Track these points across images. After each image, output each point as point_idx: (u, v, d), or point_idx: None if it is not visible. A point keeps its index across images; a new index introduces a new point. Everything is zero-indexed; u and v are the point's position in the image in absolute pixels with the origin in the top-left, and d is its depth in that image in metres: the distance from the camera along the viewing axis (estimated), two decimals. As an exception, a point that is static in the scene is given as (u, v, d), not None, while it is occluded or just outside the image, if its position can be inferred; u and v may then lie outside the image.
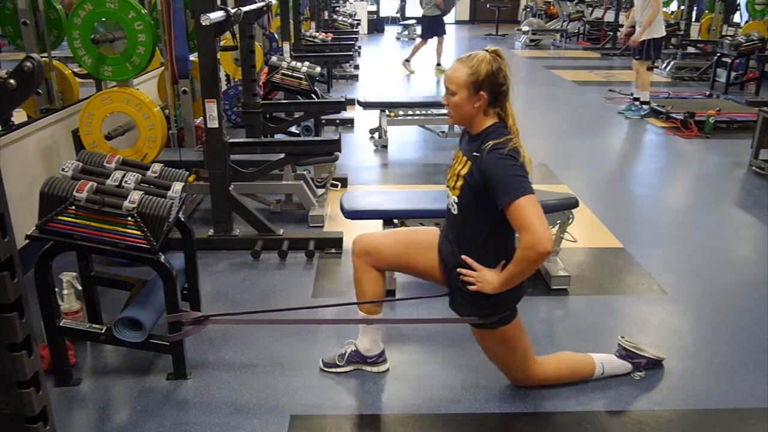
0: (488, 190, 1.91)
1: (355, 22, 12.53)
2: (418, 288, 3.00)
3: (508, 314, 2.10)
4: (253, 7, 3.97)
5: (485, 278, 1.99)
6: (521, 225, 1.84)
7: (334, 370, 2.38)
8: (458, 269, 2.04)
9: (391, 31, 17.13)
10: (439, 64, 10.00)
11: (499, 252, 2.03)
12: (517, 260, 1.90)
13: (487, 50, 1.96)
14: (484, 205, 1.96)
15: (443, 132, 5.92)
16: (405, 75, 9.91)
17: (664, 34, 6.74)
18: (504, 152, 1.89)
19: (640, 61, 6.73)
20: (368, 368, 2.39)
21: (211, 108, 3.19)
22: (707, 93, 8.01)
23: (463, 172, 1.99)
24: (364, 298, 2.26)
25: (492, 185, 1.89)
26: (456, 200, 2.03)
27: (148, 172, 2.31)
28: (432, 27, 9.78)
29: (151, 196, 2.09)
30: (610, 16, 14.14)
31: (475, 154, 1.96)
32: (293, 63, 5.18)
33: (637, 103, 6.92)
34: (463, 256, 2.03)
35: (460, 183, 2.00)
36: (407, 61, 10.22)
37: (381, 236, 2.32)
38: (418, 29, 16.19)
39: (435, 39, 9.94)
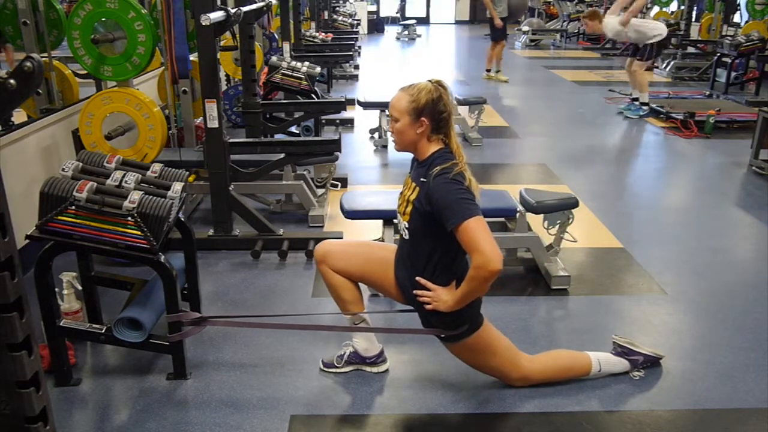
0: (436, 214, 1.98)
1: (355, 22, 12.53)
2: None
3: (475, 323, 2.15)
4: (253, 7, 3.98)
5: (440, 297, 2.07)
6: (470, 246, 1.93)
7: (333, 370, 2.38)
8: (414, 291, 2.12)
9: (391, 31, 17.13)
10: (488, 70, 9.32)
11: (450, 272, 2.11)
12: (470, 279, 1.97)
13: (430, 80, 2.07)
14: (433, 228, 2.03)
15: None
16: (494, 82, 9.13)
17: (665, 34, 6.71)
18: (449, 177, 1.98)
19: (641, 62, 6.73)
20: (368, 368, 2.39)
21: (211, 108, 3.19)
22: (707, 93, 8.00)
23: (412, 197, 2.08)
24: (343, 304, 2.31)
25: (439, 209, 1.96)
26: (407, 225, 2.12)
27: (148, 172, 2.31)
28: (500, 30, 8.88)
29: (151, 196, 2.09)
30: (610, 16, 14.13)
31: (422, 179, 2.04)
32: (293, 63, 5.18)
33: (636, 103, 6.91)
34: (417, 278, 2.11)
35: (409, 208, 2.09)
36: (489, 71, 9.30)
37: (340, 245, 2.35)
38: (418, 29, 16.23)
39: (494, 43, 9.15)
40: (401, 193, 2.20)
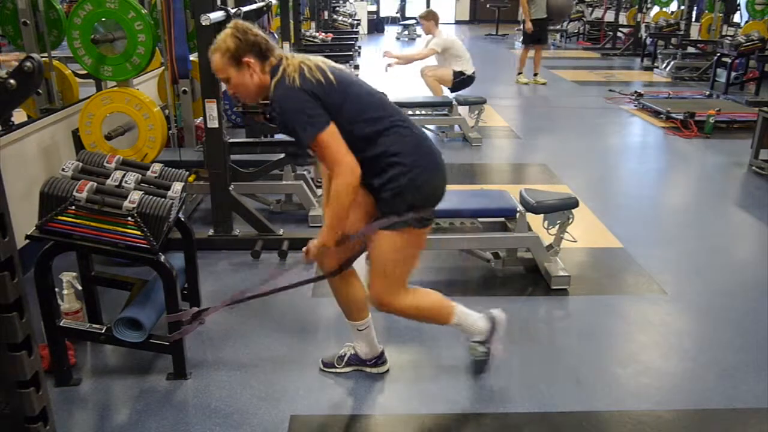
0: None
1: (355, 22, 12.54)
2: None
3: (425, 217, 2.05)
4: (253, 7, 3.98)
5: (315, 242, 2.01)
6: (327, 160, 1.89)
7: (333, 370, 2.38)
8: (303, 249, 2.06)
9: (391, 31, 17.12)
10: (520, 73, 9.01)
11: (377, 165, 1.99)
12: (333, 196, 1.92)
13: (227, 26, 1.99)
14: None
15: (443, 132, 5.92)
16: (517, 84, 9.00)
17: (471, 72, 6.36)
18: (283, 107, 1.90)
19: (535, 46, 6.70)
20: (369, 369, 2.38)
21: (211, 108, 3.19)
22: (707, 93, 8.00)
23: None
24: (350, 308, 2.27)
25: (289, 130, 1.93)
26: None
27: (148, 172, 2.31)
28: (531, 33, 8.65)
29: (151, 196, 2.09)
30: (610, 16, 14.15)
31: (275, 114, 1.96)
32: (293, 63, 5.17)
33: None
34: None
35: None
36: (520, 74, 9.01)
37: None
38: (418, 29, 16.22)
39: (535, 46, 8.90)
40: None
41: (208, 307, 2.29)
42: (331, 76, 1.96)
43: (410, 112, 5.68)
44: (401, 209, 2.00)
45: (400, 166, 1.98)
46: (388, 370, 2.39)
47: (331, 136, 1.89)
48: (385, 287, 2.13)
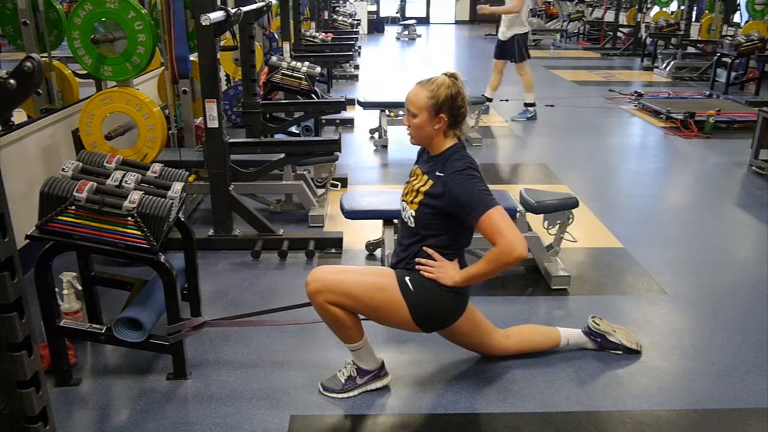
0: (454, 210, 2.03)
1: (355, 22, 12.53)
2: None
3: (456, 315, 2.20)
4: (253, 7, 3.97)
5: (446, 270, 2.09)
6: (495, 233, 1.96)
7: (335, 395, 2.24)
8: (416, 258, 2.12)
9: (391, 31, 17.13)
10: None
11: (451, 254, 2.14)
12: (489, 261, 2.00)
13: (446, 74, 2.07)
14: (440, 220, 2.08)
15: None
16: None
17: (526, 30, 6.56)
18: (467, 173, 2.02)
19: (519, 62, 6.53)
20: (371, 386, 2.26)
21: (211, 108, 3.19)
22: (707, 93, 8.01)
23: (423, 189, 2.09)
24: (348, 333, 2.17)
25: (460, 205, 2.01)
26: (413, 214, 2.11)
27: (148, 172, 2.31)
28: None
29: (151, 196, 2.09)
30: (610, 16, 14.15)
31: (438, 174, 2.06)
32: (293, 63, 5.18)
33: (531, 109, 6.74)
34: (425, 248, 2.11)
35: (419, 198, 2.10)
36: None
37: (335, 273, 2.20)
38: (418, 29, 16.24)
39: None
40: (408, 182, 2.22)
41: (207, 320, 2.34)
42: None
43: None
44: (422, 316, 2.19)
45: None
46: (388, 384, 2.31)
47: (504, 212, 2.00)
48: (481, 349, 2.43)
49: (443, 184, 2.03)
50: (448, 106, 2.04)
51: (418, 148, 2.30)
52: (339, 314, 2.10)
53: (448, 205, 2.03)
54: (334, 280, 2.11)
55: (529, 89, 6.72)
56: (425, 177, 2.11)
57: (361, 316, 2.17)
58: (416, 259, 2.12)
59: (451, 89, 2.03)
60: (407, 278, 2.11)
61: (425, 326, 2.17)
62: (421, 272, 2.10)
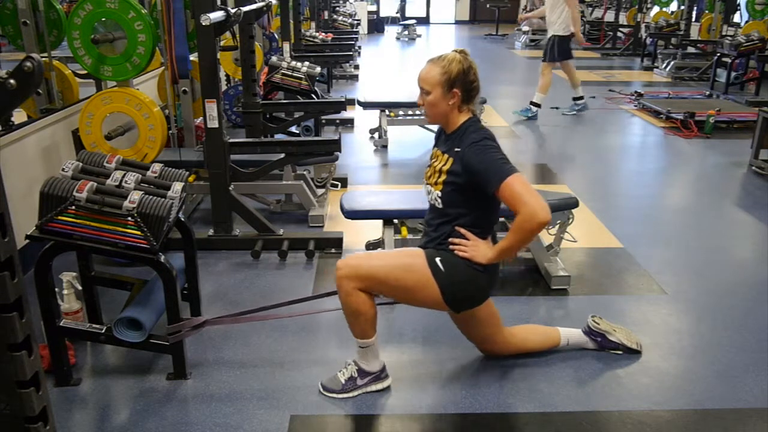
0: (475, 182, 2.02)
1: (355, 22, 12.54)
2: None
3: (482, 297, 2.23)
4: (253, 7, 3.97)
5: (479, 248, 2.10)
6: (515, 201, 1.95)
7: (334, 395, 2.24)
8: (450, 239, 2.13)
9: (391, 31, 17.14)
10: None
11: (483, 232, 2.15)
12: (515, 230, 2.00)
13: (456, 50, 2.10)
14: (467, 195, 2.09)
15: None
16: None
17: (569, 33, 6.61)
18: (483, 144, 2.04)
19: (546, 63, 6.73)
20: (371, 387, 2.26)
21: (211, 108, 3.19)
22: (707, 93, 8.00)
23: (446, 168, 2.10)
24: (364, 329, 2.16)
25: (479, 175, 2.01)
26: (439, 194, 2.13)
27: (148, 172, 2.31)
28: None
29: (151, 196, 2.09)
30: (610, 16, 14.15)
31: (456, 149, 2.07)
32: (293, 63, 5.18)
33: (580, 102, 7.00)
34: (457, 227, 2.12)
35: (442, 178, 2.11)
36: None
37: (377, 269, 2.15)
38: (418, 29, 16.24)
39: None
40: (429, 165, 2.22)
41: (208, 318, 2.34)
42: None
43: (410, 113, 5.69)
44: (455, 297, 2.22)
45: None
46: (389, 386, 2.30)
47: (525, 179, 1.99)
48: (486, 343, 2.43)
49: (461, 158, 2.04)
50: (461, 81, 2.06)
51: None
52: (363, 305, 2.10)
53: (469, 178, 2.03)
54: (364, 265, 2.11)
55: (543, 91, 6.82)
56: (445, 156, 2.12)
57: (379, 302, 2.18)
58: (450, 239, 2.13)
59: (462, 64, 2.06)
60: (438, 259, 2.12)
61: (455, 305, 2.17)
62: (456, 251, 2.11)
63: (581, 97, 7.04)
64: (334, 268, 2.15)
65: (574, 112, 7.01)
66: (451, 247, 2.13)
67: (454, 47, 2.16)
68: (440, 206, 2.14)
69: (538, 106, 6.83)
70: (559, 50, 6.64)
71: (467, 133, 2.08)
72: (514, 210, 1.97)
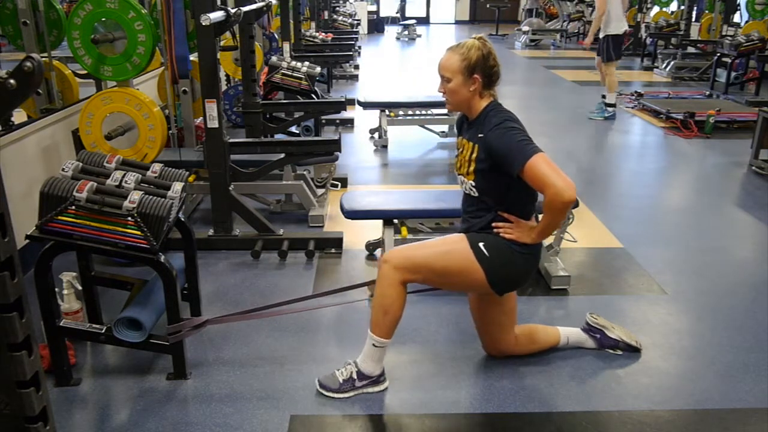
0: (500, 164, 2.03)
1: (355, 22, 12.54)
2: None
3: (524, 280, 2.25)
4: (253, 7, 3.97)
5: (523, 229, 2.13)
6: (540, 182, 1.96)
7: (330, 394, 2.24)
8: (494, 223, 2.14)
9: (391, 31, 17.13)
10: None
11: (524, 214, 2.17)
12: (546, 211, 2.04)
13: (474, 37, 2.12)
14: (499, 181, 2.09)
15: (443, 132, 5.92)
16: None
17: (622, 31, 6.68)
18: (505, 126, 2.04)
19: (607, 63, 6.78)
20: (368, 390, 2.26)
21: (211, 108, 3.19)
22: (707, 93, 8.01)
23: (474, 156, 2.11)
24: (391, 327, 2.16)
25: (503, 158, 2.02)
26: (473, 184, 2.14)
27: (148, 172, 2.31)
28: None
29: (151, 196, 2.09)
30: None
31: (479, 135, 2.09)
32: (293, 63, 5.18)
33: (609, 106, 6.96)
34: (500, 212, 2.14)
35: (473, 167, 2.12)
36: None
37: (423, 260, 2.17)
38: (418, 29, 16.24)
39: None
40: (457, 155, 2.24)
41: (209, 317, 2.35)
42: None
43: (410, 113, 5.69)
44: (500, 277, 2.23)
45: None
46: (386, 388, 2.29)
47: (548, 158, 1.99)
48: (496, 338, 2.42)
49: (484, 143, 2.06)
50: (481, 66, 2.07)
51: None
52: (397, 301, 2.12)
53: (494, 162, 2.04)
54: (410, 255, 2.14)
55: (612, 89, 6.85)
56: (470, 144, 2.13)
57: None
58: (494, 224, 2.14)
59: (482, 50, 2.08)
60: (481, 243, 2.13)
61: (500, 287, 2.18)
62: (501, 234, 2.13)
63: (614, 105, 6.96)
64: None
65: (603, 117, 6.88)
66: (495, 230, 2.14)
67: (473, 36, 2.16)
68: (476, 194, 2.16)
69: (612, 105, 6.88)
70: (614, 48, 6.71)
71: (489, 117, 2.10)
72: (540, 191, 1.98)
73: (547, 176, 1.93)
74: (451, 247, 2.17)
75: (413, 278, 2.14)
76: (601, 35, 6.74)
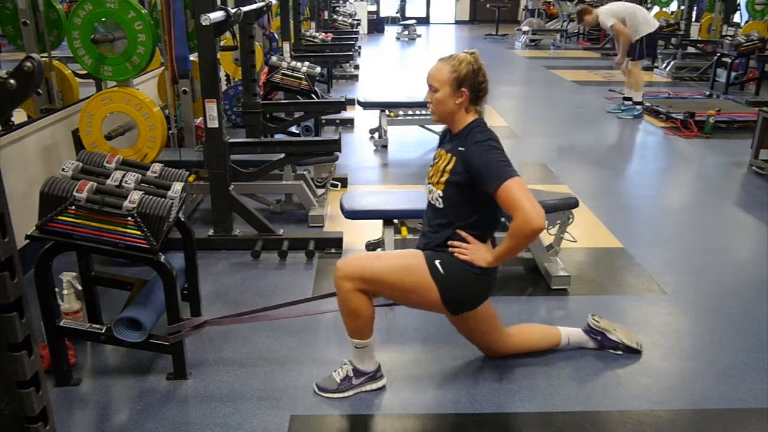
0: (475, 181, 2.03)
1: (355, 22, 12.53)
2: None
3: (479, 300, 2.23)
4: (253, 7, 3.97)
5: (479, 251, 2.11)
6: (511, 205, 1.97)
7: (330, 395, 2.24)
8: (449, 242, 2.13)
9: (391, 31, 17.13)
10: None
11: (483, 236, 2.16)
12: (511, 236, 2.01)
13: (466, 52, 2.13)
14: (468, 196, 2.10)
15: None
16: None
17: (652, 30, 6.68)
18: (488, 144, 2.06)
19: (634, 61, 6.76)
20: (367, 387, 2.27)
21: (211, 108, 3.19)
22: (707, 93, 8.00)
23: (449, 167, 2.11)
24: (363, 329, 2.16)
25: (479, 175, 2.02)
26: (441, 194, 2.14)
27: (148, 172, 2.31)
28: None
29: (151, 196, 2.09)
30: (610, 16, 14.13)
31: (460, 149, 2.09)
32: (293, 63, 5.18)
33: (628, 102, 6.95)
34: (458, 231, 2.13)
35: (444, 178, 2.12)
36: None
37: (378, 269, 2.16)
38: (418, 29, 16.24)
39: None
40: (432, 165, 2.24)
41: (209, 318, 2.35)
42: None
43: (410, 113, 5.69)
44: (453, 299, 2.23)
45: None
46: (384, 386, 2.30)
47: (523, 184, 2.00)
48: (486, 345, 2.43)
49: (464, 157, 2.06)
50: (470, 81, 2.08)
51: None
52: (361, 306, 2.10)
53: (470, 177, 2.04)
54: (364, 266, 2.12)
55: (638, 89, 6.83)
56: (449, 155, 2.13)
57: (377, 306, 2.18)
58: (450, 242, 2.13)
59: (472, 65, 2.09)
60: (437, 261, 2.12)
61: (453, 308, 2.18)
62: (456, 254, 2.12)
63: (641, 102, 6.93)
64: (333, 269, 2.15)
65: (632, 116, 6.85)
66: (450, 249, 2.13)
67: (454, 47, 2.17)
68: (440, 206, 2.14)
69: (640, 103, 6.87)
70: (647, 45, 6.71)
71: (472, 133, 2.10)
72: (510, 214, 1.98)
73: (520, 200, 1.94)
74: (408, 262, 2.15)
75: (367, 289, 2.10)
76: (634, 39, 6.67)
